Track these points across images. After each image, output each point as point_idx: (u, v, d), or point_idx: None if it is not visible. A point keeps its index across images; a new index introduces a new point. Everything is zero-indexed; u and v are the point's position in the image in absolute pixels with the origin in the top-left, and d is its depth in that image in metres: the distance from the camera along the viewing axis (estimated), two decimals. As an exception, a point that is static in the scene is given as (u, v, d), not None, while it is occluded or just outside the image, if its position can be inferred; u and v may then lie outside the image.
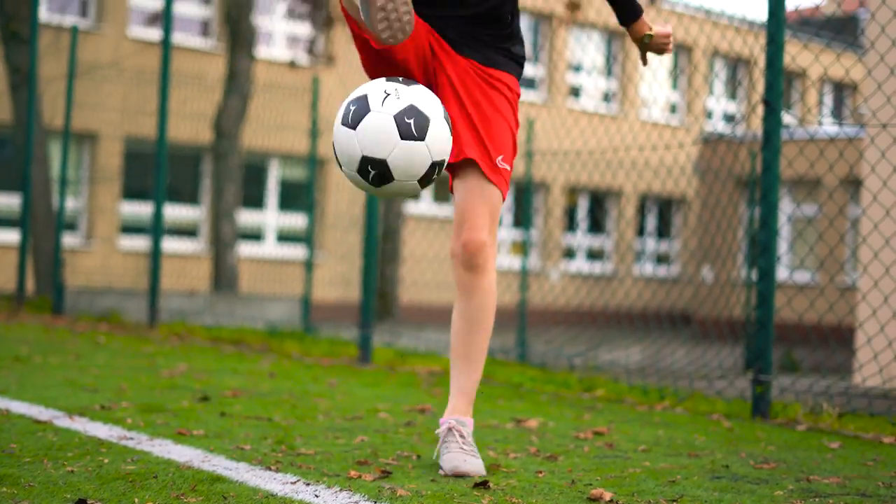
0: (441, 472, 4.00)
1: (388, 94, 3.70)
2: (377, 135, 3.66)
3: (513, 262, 24.87)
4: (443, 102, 4.03)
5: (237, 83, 18.02)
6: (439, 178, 3.68)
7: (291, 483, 3.73)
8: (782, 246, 17.00)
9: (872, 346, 7.86)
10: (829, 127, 21.49)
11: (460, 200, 4.09)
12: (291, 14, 22.01)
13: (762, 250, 6.37)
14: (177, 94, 17.84)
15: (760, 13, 6.98)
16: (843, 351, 14.54)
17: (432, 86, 4.12)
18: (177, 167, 20.81)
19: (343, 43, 22.52)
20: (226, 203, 18.22)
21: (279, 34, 24.44)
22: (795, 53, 9.35)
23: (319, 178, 22.35)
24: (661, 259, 30.28)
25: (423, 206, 26.11)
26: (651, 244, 30.12)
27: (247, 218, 23.25)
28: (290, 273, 19.40)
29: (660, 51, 4.39)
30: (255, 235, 23.98)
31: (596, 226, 29.66)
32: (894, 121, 8.88)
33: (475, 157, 4.05)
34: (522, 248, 14.52)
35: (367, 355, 9.08)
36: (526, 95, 27.33)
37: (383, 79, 3.82)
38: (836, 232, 17.56)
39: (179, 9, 22.66)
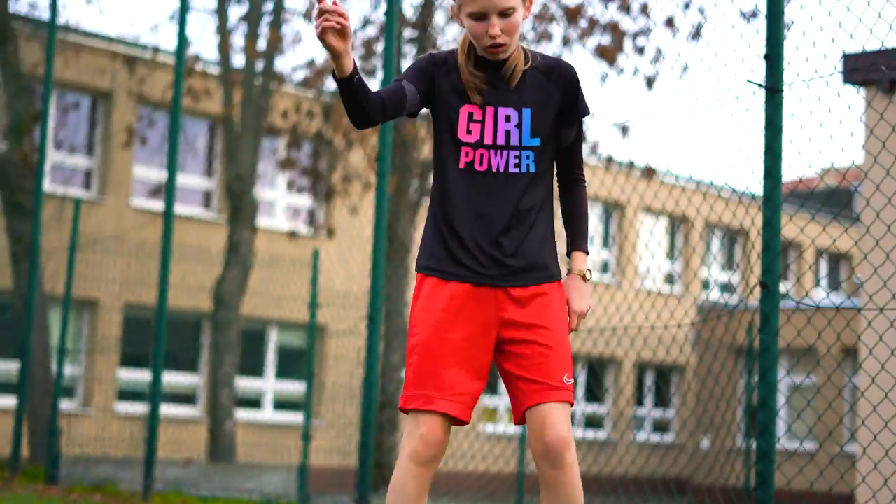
0: None
1: None
2: None
3: (508, 427, 24.81)
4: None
5: (238, 253, 18.17)
6: None
7: None
8: (780, 417, 16.96)
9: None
10: (825, 300, 21.64)
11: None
12: (292, 186, 22.30)
13: (762, 430, 6.38)
14: (178, 266, 17.99)
15: (755, 187, 7.17)
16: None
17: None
18: (176, 334, 20.87)
19: (343, 214, 22.76)
20: (224, 371, 18.21)
21: (280, 205, 24.74)
22: (790, 226, 9.50)
23: (318, 348, 22.39)
24: (659, 427, 30.21)
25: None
26: (648, 412, 30.07)
27: (245, 384, 23.22)
28: (288, 440, 19.32)
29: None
30: (254, 402, 23.92)
31: (591, 394, 29.63)
32: (891, 304, 8.97)
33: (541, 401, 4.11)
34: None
35: (364, 532, 9.00)
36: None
37: None
38: (834, 401, 17.55)
39: (182, 181, 22.94)
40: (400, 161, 19.17)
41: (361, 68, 19.47)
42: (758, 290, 6.48)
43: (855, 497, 10.05)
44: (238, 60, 19.39)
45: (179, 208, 22.17)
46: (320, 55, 20.49)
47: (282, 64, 22.12)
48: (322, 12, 3.81)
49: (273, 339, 24.28)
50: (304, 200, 24.06)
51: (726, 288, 29.42)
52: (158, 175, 22.69)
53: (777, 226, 6.36)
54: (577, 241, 4.37)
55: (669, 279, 30.40)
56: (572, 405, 4.15)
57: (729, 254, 28.88)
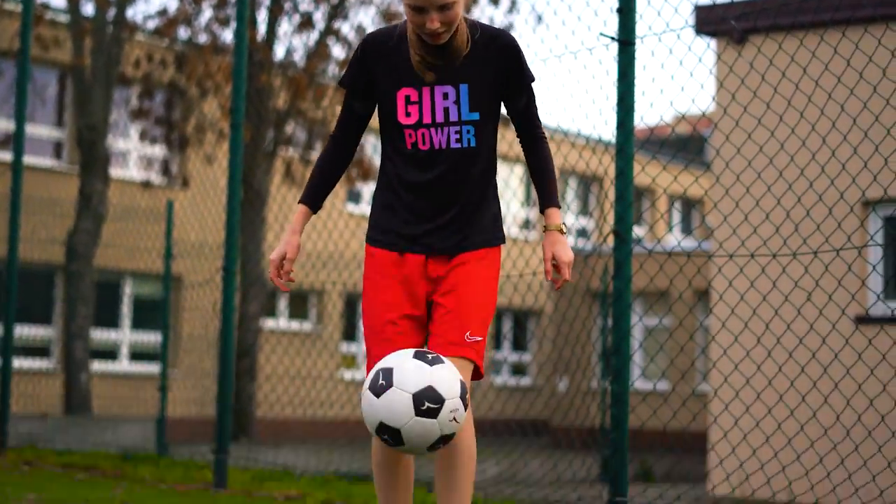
0: None
1: (413, 370, 4.07)
2: (395, 408, 4.04)
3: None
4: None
5: (90, 205, 17.86)
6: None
7: None
8: (634, 361, 17.26)
9: (721, 459, 8.03)
10: (677, 245, 22.03)
11: None
12: (145, 136, 21.95)
13: (616, 375, 6.50)
14: (29, 218, 17.62)
15: (609, 133, 7.24)
16: (697, 458, 14.78)
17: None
18: (28, 287, 20.46)
19: (197, 164, 22.50)
20: (78, 324, 17.94)
21: (133, 155, 24.34)
22: (643, 170, 9.62)
23: (174, 299, 22.14)
24: (517, 370, 30.55)
25: (282, 322, 26.02)
26: (507, 355, 30.39)
27: (100, 336, 22.91)
28: (145, 392, 19.14)
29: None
30: (109, 353, 23.62)
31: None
32: (741, 250, 9.16)
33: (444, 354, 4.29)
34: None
35: (223, 481, 8.96)
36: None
37: (412, 351, 4.12)
38: (684, 342, 17.89)
39: (32, 131, 22.43)
40: (254, 111, 18.98)
41: (214, 17, 19.24)
42: (611, 237, 6.58)
43: (707, 435, 10.29)
44: (88, 9, 18.98)
45: (29, 159, 21.65)
46: (172, 4, 20.17)
47: (133, 13, 21.67)
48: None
49: (128, 291, 23.96)
50: (158, 150, 23.71)
51: (581, 234, 29.79)
52: (7, 125, 22.15)
53: (630, 176, 6.46)
54: (549, 198, 4.53)
55: (525, 225, 30.67)
56: (475, 360, 4.33)
57: (584, 200, 29.23)
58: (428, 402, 4.04)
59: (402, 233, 4.41)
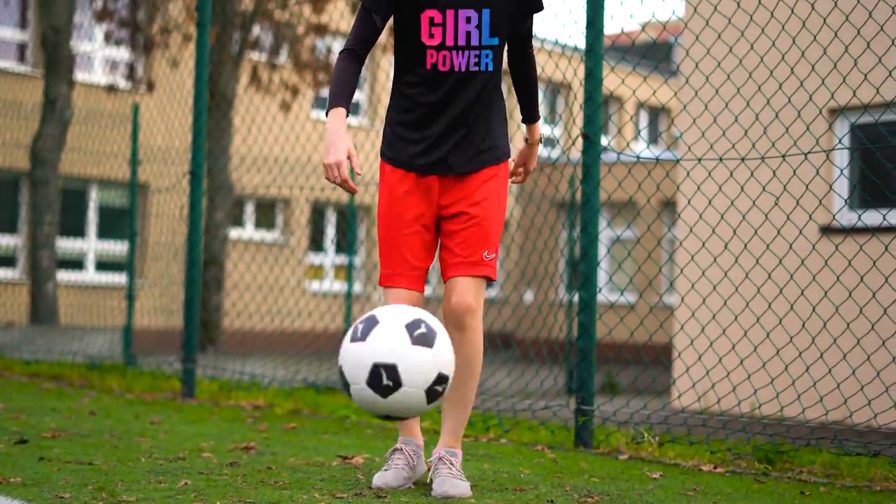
0: (433, 493, 4.48)
1: (419, 363, 4.09)
2: (388, 341, 4.07)
3: (334, 285, 24.83)
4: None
5: (55, 109, 17.64)
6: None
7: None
8: (601, 274, 17.32)
9: (687, 367, 8.05)
10: (644, 152, 21.98)
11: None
12: (110, 38, 21.62)
13: (583, 281, 6.47)
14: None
15: (579, 39, 7.17)
16: (663, 372, 14.86)
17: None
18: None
19: (163, 68, 22.24)
20: (44, 232, 17.80)
21: (98, 58, 24.02)
22: (611, 78, 9.52)
23: (140, 206, 22.00)
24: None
25: (248, 231, 25.91)
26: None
27: (66, 245, 22.76)
28: (112, 301, 19.04)
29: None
30: (76, 263, 23.49)
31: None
32: (709, 154, 9.12)
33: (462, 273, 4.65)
34: (347, 273, 14.52)
35: (190, 390, 8.96)
36: (351, 119, 27.37)
37: (407, 335, 4.15)
38: (653, 253, 17.93)
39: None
40: (220, 11, 18.72)
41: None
42: (580, 141, 6.53)
43: (673, 345, 10.33)
44: None
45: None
46: None
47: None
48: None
49: (94, 198, 23.78)
50: (123, 53, 23.40)
51: (548, 142, 29.68)
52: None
53: (599, 76, 6.39)
54: (533, 112, 4.85)
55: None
56: (491, 279, 4.64)
57: (551, 107, 29.04)
58: (421, 329, 4.14)
59: (418, 154, 4.59)
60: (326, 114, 4.45)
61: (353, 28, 4.57)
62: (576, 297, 14.19)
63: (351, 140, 4.42)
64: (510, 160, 4.80)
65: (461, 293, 4.58)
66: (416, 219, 4.61)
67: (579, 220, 6.53)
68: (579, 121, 6.77)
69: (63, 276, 21.47)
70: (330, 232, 25.68)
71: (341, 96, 4.47)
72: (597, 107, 6.37)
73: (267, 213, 26.72)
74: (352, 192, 4.42)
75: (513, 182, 4.86)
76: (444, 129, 4.57)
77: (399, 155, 4.62)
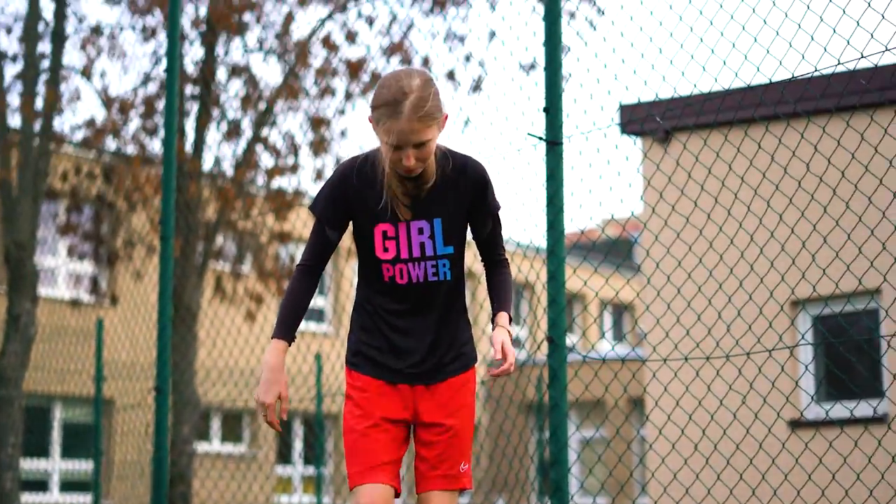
0: None
1: None
2: None
3: (304, 498, 24.50)
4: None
5: (19, 326, 17.58)
6: None
7: None
8: (573, 474, 17.13)
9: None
10: (610, 353, 21.99)
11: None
12: (73, 252, 21.70)
13: (554, 489, 6.39)
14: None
15: (539, 241, 7.28)
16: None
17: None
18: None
19: (126, 281, 22.28)
20: (7, 453, 17.55)
21: (61, 272, 24.07)
22: (574, 279, 9.57)
23: (105, 423, 21.78)
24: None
25: (215, 445, 25.66)
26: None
27: (29, 466, 22.43)
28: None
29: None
30: (40, 484, 23.11)
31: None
32: (674, 354, 9.13)
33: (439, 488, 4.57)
34: (316, 485, 14.33)
35: None
36: (316, 327, 27.36)
37: None
38: (623, 456, 17.79)
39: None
40: (184, 223, 18.86)
41: (142, 127, 19.14)
42: (545, 345, 6.51)
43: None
44: (14, 121, 18.83)
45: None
46: (99, 114, 20.08)
47: (60, 123, 21.43)
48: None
49: (58, 416, 23.55)
50: (86, 267, 23.45)
51: (514, 343, 29.72)
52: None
53: (561, 279, 6.41)
54: (502, 306, 4.65)
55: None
56: (467, 489, 4.57)
57: (516, 309, 29.17)
58: None
59: (384, 364, 4.53)
60: (271, 337, 4.44)
61: (308, 241, 4.54)
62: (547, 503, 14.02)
63: (286, 380, 4.38)
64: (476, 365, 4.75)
65: None
66: (386, 417, 4.52)
67: (548, 423, 6.48)
68: (543, 323, 6.77)
69: (27, 498, 21.12)
70: (298, 444, 25.48)
71: (286, 326, 4.42)
72: (561, 310, 6.38)
73: (233, 426, 26.51)
74: (277, 431, 4.39)
75: (500, 373, 4.55)
76: (409, 339, 4.53)
77: (365, 364, 4.56)
